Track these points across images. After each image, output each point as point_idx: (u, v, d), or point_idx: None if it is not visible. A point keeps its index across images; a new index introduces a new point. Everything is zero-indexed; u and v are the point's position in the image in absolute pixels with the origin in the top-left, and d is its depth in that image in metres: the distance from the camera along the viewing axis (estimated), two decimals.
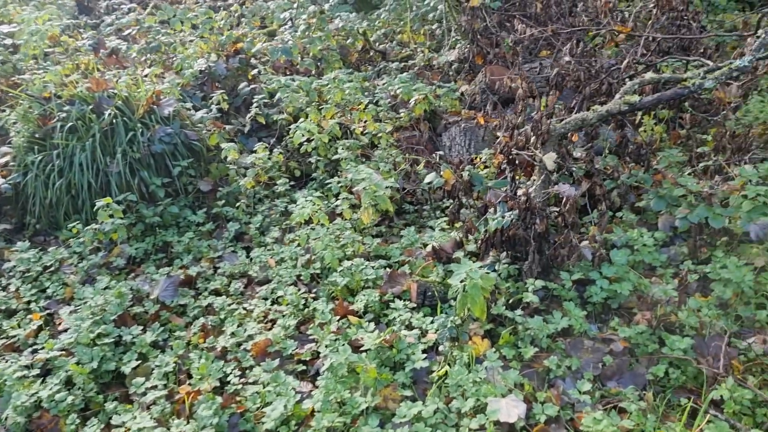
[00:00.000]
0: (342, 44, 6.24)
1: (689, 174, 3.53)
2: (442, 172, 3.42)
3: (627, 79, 3.27)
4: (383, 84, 5.13)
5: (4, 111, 4.59)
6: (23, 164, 3.88)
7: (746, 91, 3.41)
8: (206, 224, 3.89)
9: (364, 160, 4.19)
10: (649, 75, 3.00)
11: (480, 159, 3.59)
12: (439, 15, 6.94)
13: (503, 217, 2.97)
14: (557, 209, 2.95)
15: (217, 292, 3.35)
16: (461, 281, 2.56)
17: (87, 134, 3.85)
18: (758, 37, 2.79)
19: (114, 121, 3.88)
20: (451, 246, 3.08)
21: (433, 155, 3.89)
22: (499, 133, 3.73)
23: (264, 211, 4.04)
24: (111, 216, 3.47)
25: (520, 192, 3.09)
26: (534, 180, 3.10)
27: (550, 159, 2.94)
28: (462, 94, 5.19)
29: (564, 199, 2.86)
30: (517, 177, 3.40)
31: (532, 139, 3.07)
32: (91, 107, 3.89)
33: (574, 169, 3.22)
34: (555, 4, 5.72)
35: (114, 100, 3.96)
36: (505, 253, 3.00)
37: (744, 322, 2.67)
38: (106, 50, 5.13)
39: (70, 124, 3.83)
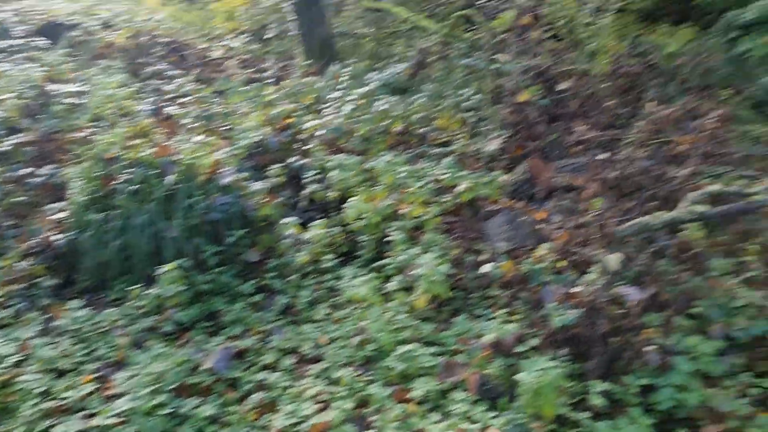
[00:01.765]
0: (383, 125, 6.45)
1: (740, 282, 3.58)
2: (500, 263, 3.47)
3: (685, 188, 3.38)
4: (425, 168, 5.27)
5: (62, 167, 4.69)
6: (82, 222, 3.93)
7: None
8: (255, 295, 3.90)
9: (412, 242, 4.25)
10: (714, 187, 3.11)
11: (535, 253, 3.65)
12: (473, 104, 7.21)
13: (566, 315, 3.00)
14: (621, 311, 2.98)
15: (267, 367, 3.32)
16: (533, 378, 2.57)
17: (149, 197, 3.93)
18: None
19: (175, 186, 3.96)
20: (513, 339, 3.09)
21: (489, 245, 3.95)
22: (553, 229, 3.81)
23: (311, 286, 4.06)
24: (172, 282, 3.49)
25: (579, 289, 3.13)
26: (593, 279, 3.14)
27: (614, 260, 3.00)
28: (502, 183, 5.33)
29: (632, 301, 2.90)
30: (572, 274, 3.45)
31: (594, 238, 3.14)
32: (156, 171, 3.98)
33: (636, 271, 3.27)
34: (592, 104, 5.98)
35: (178, 165, 4.06)
36: (564, 351, 3.01)
37: None
38: (163, 116, 5.30)
39: (134, 187, 3.91)
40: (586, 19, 8.31)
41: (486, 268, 3.45)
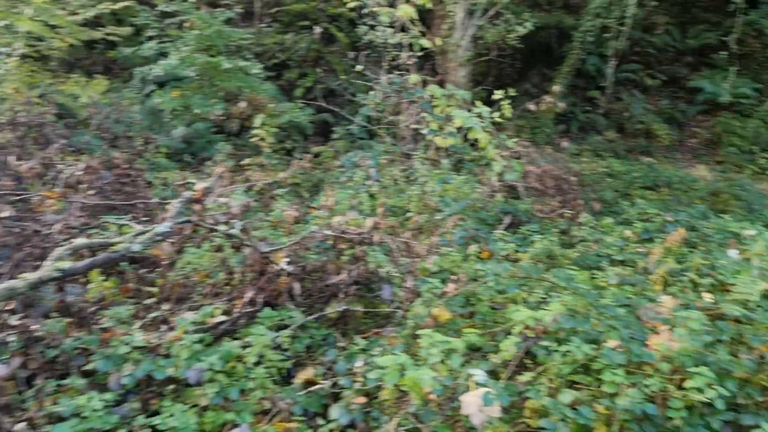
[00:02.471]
0: None
1: (140, 327, 3.65)
2: None
3: (62, 243, 3.23)
4: None
5: None
6: None
7: (181, 246, 3.82)
8: None
9: None
10: (80, 240, 3.05)
11: None
12: None
13: None
14: None
15: None
16: None
17: None
18: (174, 206, 3.22)
19: None
20: None
21: None
22: None
23: None
24: None
25: None
26: None
27: None
28: None
29: None
30: None
31: None
32: None
33: (11, 341, 2.92)
34: None
35: None
36: None
37: None
38: None
39: None
40: None
41: None
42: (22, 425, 2.53)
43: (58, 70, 8.82)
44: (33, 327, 2.96)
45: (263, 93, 9.34)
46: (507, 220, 6.35)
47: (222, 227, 3.42)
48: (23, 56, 7.44)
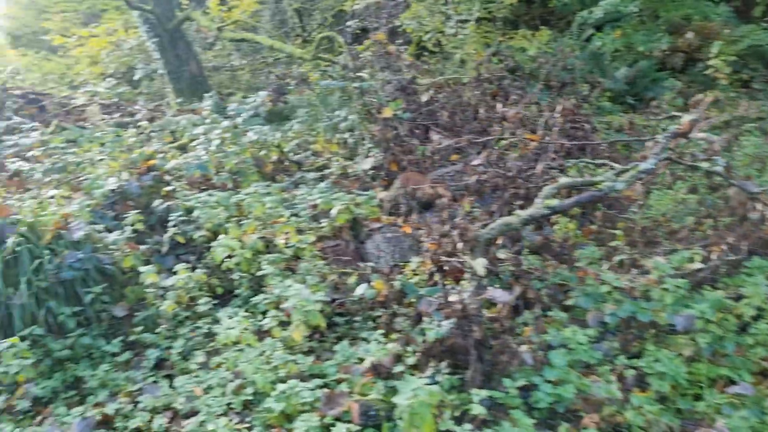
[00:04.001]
0: (256, 156, 6.26)
1: (608, 269, 3.69)
2: (373, 283, 3.38)
3: (543, 183, 3.46)
4: (302, 195, 5.14)
5: None
6: None
7: (648, 188, 3.68)
8: (123, 354, 3.59)
9: (289, 273, 4.09)
10: (565, 179, 3.18)
11: (409, 267, 3.59)
12: (350, 125, 7.17)
13: (440, 326, 2.94)
14: (493, 314, 2.96)
15: (138, 431, 3.04)
16: (408, 399, 2.47)
17: None
18: (658, 141, 3.05)
19: (17, 249, 3.60)
20: (391, 360, 2.99)
21: (363, 265, 3.86)
22: (425, 240, 3.78)
23: (186, 334, 3.79)
24: (16, 356, 3.13)
25: (453, 299, 3.09)
26: (465, 286, 3.11)
27: (480, 264, 2.98)
28: (380, 200, 5.28)
29: (501, 303, 2.88)
30: (446, 283, 3.42)
31: (460, 245, 3.12)
32: None
33: (505, 272, 3.28)
34: (461, 112, 6.09)
35: (17, 226, 3.70)
36: (445, 363, 2.94)
37: (684, 414, 2.72)
38: (7, 172, 4.86)
39: None
40: (451, 30, 8.53)
41: (359, 290, 3.35)
42: (524, 347, 2.81)
43: (504, 29, 9.48)
44: (522, 262, 3.24)
45: (716, 18, 8.25)
46: None
47: (704, 164, 3.12)
48: (478, 19, 8.19)
